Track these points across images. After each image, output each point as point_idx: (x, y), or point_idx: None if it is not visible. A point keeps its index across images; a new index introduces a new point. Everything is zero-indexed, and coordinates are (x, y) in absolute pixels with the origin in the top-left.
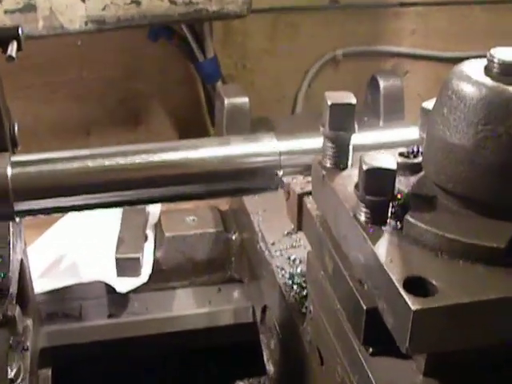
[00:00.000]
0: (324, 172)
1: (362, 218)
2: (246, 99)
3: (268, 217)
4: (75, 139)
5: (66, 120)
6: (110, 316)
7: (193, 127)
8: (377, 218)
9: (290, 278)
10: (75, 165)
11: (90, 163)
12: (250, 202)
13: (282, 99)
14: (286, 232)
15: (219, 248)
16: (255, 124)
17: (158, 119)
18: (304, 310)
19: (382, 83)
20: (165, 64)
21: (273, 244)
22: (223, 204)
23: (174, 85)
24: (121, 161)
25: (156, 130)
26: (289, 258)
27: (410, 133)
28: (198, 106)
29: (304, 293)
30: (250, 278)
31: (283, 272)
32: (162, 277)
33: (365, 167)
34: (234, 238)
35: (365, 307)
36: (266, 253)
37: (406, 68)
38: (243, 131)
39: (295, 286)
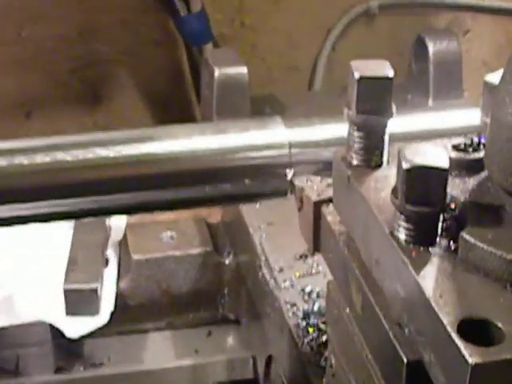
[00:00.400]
0: (349, 171)
1: (402, 235)
2: (243, 69)
3: (274, 233)
4: (10, 123)
5: None
6: (57, 370)
7: (172, 106)
8: (422, 236)
9: (303, 318)
10: (6, 162)
11: (27, 160)
12: (250, 212)
13: (295, 68)
14: (298, 254)
15: (207, 276)
16: (257, 104)
17: (125, 95)
18: (323, 363)
19: (431, 47)
20: (133, 19)
21: (281, 271)
22: (213, 215)
23: (146, 48)
24: (71, 156)
25: (122, 110)
26: (302, 291)
27: (470, 117)
28: (179, 77)
29: (323, 339)
30: (249, 317)
31: (294, 309)
32: (129, 316)
33: (405, 165)
34: (227, 261)
35: (406, 359)
36: (272, 283)
37: (466, 26)
38: (240, 114)
39: (311, 330)
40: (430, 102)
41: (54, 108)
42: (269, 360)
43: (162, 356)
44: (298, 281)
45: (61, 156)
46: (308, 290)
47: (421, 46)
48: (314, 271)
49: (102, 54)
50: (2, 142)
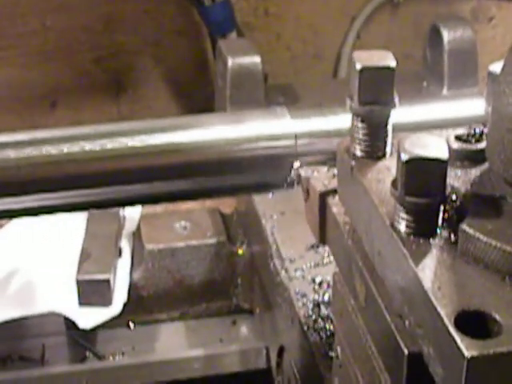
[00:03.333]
0: (353, 162)
1: (402, 227)
2: (257, 58)
3: (286, 222)
4: (36, 113)
5: (24, 86)
6: (83, 359)
7: (197, 96)
8: (422, 228)
9: (313, 309)
10: (27, 152)
11: (46, 150)
12: (262, 201)
13: (319, 56)
14: (309, 244)
15: (221, 266)
16: (272, 93)
17: (149, 85)
18: (332, 354)
19: (445, 35)
20: (157, 9)
21: (292, 261)
22: (227, 205)
23: (170, 37)
24: (86, 146)
25: (146, 99)
26: (313, 281)
27: (478, 106)
28: (203, 66)
29: (332, 329)
30: (262, 307)
31: (305, 300)
32: (142, 306)
33: (404, 157)
34: (240, 251)
35: (406, 352)
36: (283, 273)
37: (490, 13)
38: (254, 103)
39: (321, 320)
40: (445, 90)
41: (78, 98)
42: (281, 350)
43: (174, 346)
44: (309, 271)
45: (77, 146)
46: (318, 280)
47: (436, 35)
48: (325, 261)
49: (125, 44)
50: (29, 132)
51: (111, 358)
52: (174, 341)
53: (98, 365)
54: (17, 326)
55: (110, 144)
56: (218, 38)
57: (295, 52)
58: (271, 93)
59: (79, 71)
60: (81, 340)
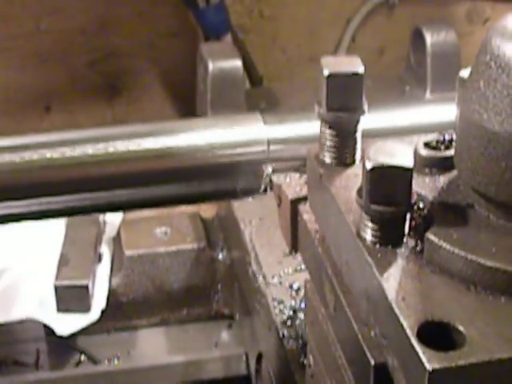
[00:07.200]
0: (321, 170)
1: (368, 236)
2: (238, 62)
3: (265, 228)
4: (31, 115)
5: (18, 89)
6: (78, 364)
7: (192, 98)
8: (388, 237)
9: (290, 316)
10: (10, 157)
11: (20, 157)
12: (241, 207)
13: (315, 58)
14: (287, 250)
15: (201, 271)
16: (253, 98)
17: (144, 88)
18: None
19: (428, 38)
20: (152, 11)
21: (270, 267)
22: (208, 210)
23: (165, 40)
24: (66, 152)
25: (140, 102)
26: (291, 287)
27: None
28: None
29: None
30: (241, 313)
31: (282, 307)
32: (121, 312)
33: (368, 164)
34: (220, 257)
35: (373, 362)
36: (260, 279)
37: (485, 14)
38: (235, 108)
39: (297, 328)
40: (428, 94)
41: (73, 101)
42: (259, 357)
43: (155, 352)
44: (287, 277)
45: (55, 152)
46: (296, 286)
47: (419, 38)
48: (302, 267)
49: (120, 47)
50: (21, 137)
51: (106, 362)
52: (152, 346)
53: (93, 369)
54: (10, 331)
55: (89, 150)
56: (213, 40)
57: (290, 54)
58: (252, 97)
59: (74, 74)
60: (76, 344)
